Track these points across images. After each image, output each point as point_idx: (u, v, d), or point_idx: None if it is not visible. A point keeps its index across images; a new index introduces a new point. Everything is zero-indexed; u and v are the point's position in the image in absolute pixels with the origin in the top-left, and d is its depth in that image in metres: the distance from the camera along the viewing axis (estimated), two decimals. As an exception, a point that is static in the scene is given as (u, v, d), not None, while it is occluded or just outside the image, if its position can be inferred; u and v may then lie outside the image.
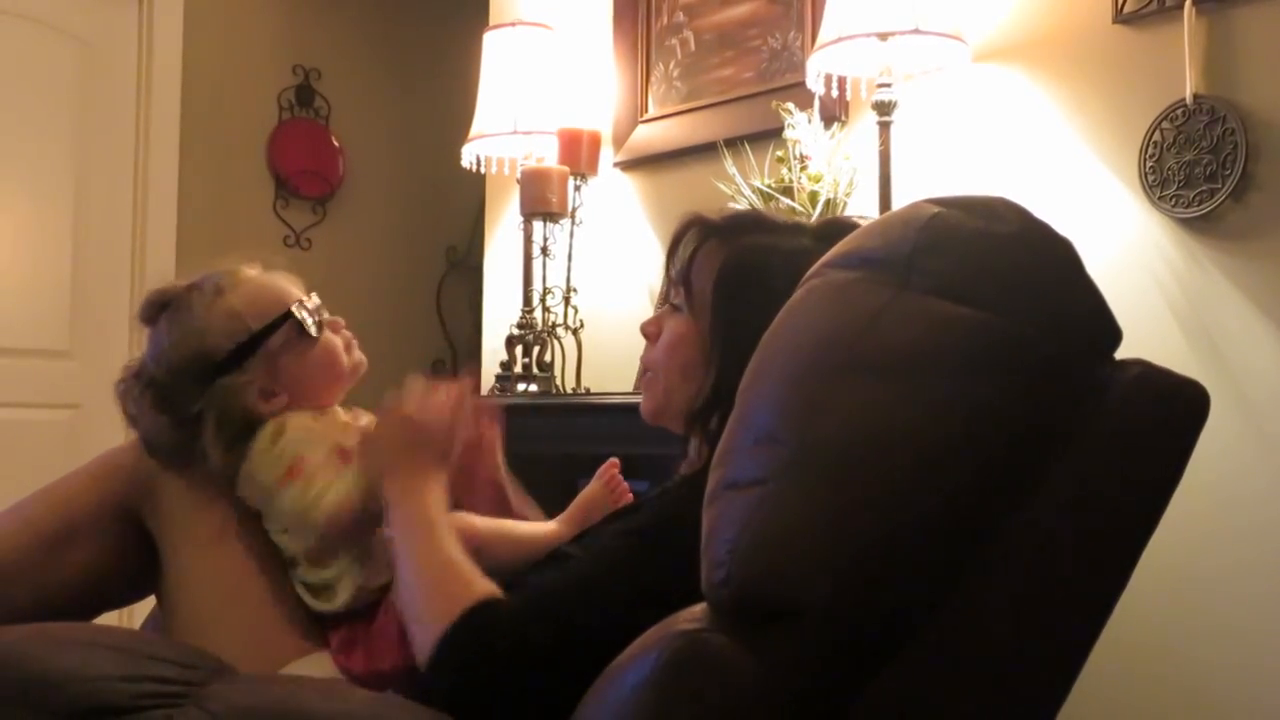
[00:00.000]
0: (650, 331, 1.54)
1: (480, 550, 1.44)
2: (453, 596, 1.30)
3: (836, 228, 1.49)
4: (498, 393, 3.04)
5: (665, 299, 1.55)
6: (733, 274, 1.43)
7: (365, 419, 1.64)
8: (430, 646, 1.28)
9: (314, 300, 1.64)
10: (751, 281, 1.41)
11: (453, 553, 1.37)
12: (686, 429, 1.46)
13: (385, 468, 1.47)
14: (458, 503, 1.51)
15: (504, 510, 1.64)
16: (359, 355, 1.65)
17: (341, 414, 1.63)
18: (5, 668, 1.16)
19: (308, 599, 1.55)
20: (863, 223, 1.50)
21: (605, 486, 1.66)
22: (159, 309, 1.58)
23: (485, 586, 1.32)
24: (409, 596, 1.37)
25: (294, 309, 1.58)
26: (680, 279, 1.49)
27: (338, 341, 1.62)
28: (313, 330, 1.58)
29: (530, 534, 1.62)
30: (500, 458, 1.63)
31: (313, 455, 1.53)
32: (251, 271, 1.62)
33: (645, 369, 1.54)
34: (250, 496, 1.55)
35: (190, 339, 1.55)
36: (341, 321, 1.65)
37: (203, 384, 1.54)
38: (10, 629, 1.28)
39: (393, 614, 1.50)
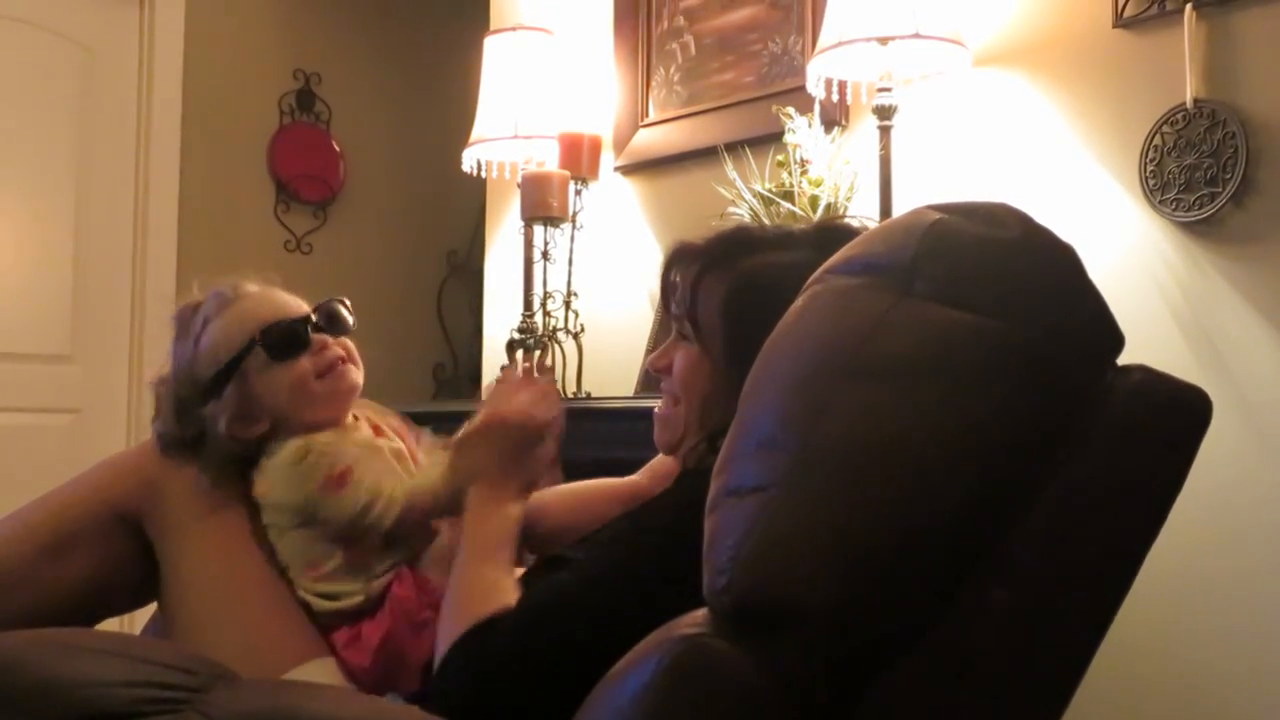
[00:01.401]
0: (661, 366, 1.52)
1: (556, 525, 1.55)
2: (466, 615, 1.33)
3: (833, 234, 1.48)
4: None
5: (669, 331, 1.54)
6: (740, 303, 1.42)
7: (393, 420, 1.69)
8: (436, 665, 1.32)
9: (315, 316, 1.63)
10: (760, 306, 1.37)
11: (495, 574, 1.40)
12: (703, 452, 1.43)
13: (478, 470, 1.49)
14: None
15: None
16: (350, 376, 1.63)
17: (365, 427, 1.64)
18: (6, 674, 1.16)
19: (315, 601, 1.55)
20: (856, 224, 1.50)
21: None
22: (177, 328, 1.63)
23: (498, 603, 1.33)
24: (444, 608, 1.41)
25: (258, 335, 1.58)
26: (686, 314, 1.48)
27: (305, 366, 1.59)
28: (275, 355, 1.58)
29: (609, 490, 1.65)
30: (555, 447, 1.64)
31: (348, 463, 1.55)
32: (249, 289, 1.63)
33: (666, 400, 1.52)
34: (281, 517, 1.57)
35: (185, 366, 1.60)
36: (328, 340, 1.62)
37: (196, 411, 1.58)
38: (10, 635, 1.28)
39: (391, 603, 1.53)
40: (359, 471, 1.54)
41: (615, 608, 1.23)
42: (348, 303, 1.68)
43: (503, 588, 1.37)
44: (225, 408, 1.56)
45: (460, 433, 1.53)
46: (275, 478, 1.56)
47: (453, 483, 1.51)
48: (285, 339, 1.59)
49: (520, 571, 1.50)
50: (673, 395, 1.51)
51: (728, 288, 1.44)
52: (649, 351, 2.73)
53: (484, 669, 1.28)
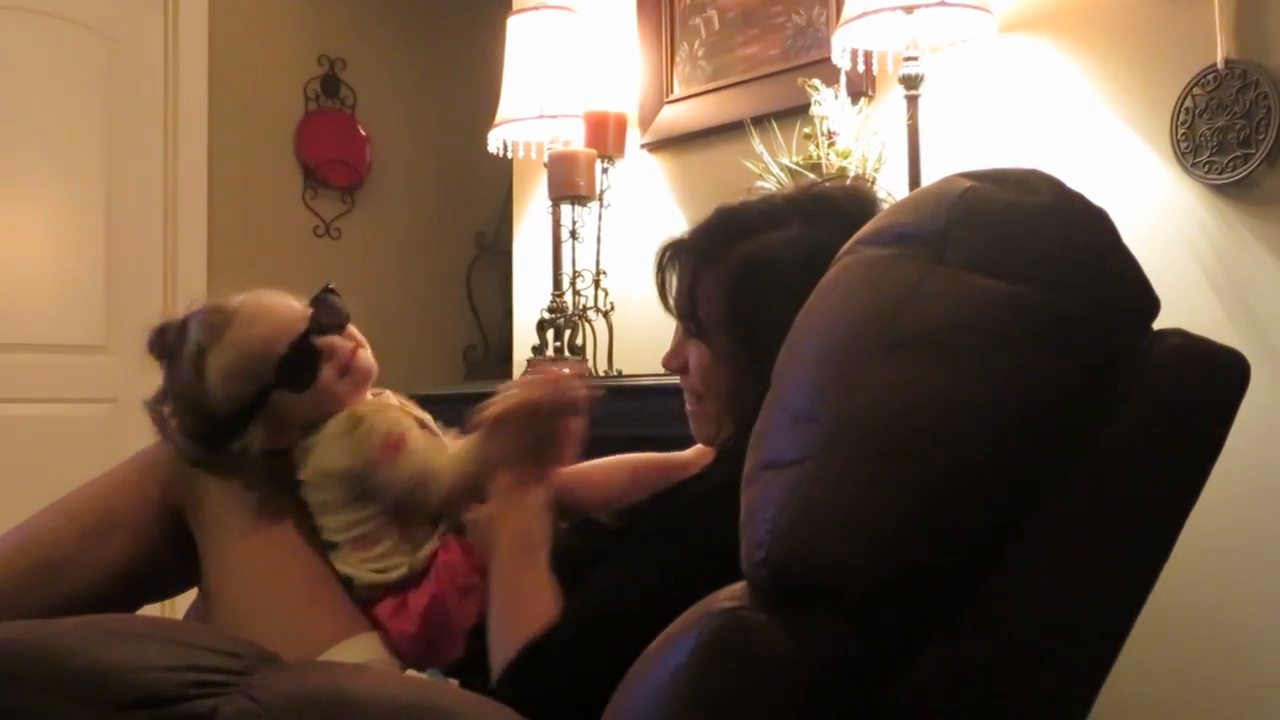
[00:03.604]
0: (676, 366, 1.53)
1: (599, 498, 1.59)
2: (516, 629, 1.35)
3: (818, 204, 1.47)
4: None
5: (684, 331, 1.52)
6: (742, 295, 1.42)
7: (413, 408, 1.68)
8: (496, 678, 1.34)
9: (312, 320, 1.58)
10: (762, 293, 1.40)
11: (530, 575, 1.41)
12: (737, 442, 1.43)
13: (505, 456, 1.49)
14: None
15: None
16: (366, 363, 1.62)
17: (392, 397, 1.66)
18: (55, 660, 1.17)
19: (359, 574, 1.56)
20: (833, 187, 1.49)
21: None
22: (159, 352, 1.59)
23: (545, 613, 1.34)
24: (492, 605, 1.42)
25: (274, 376, 1.54)
26: (687, 314, 1.48)
27: (328, 374, 1.58)
28: (298, 387, 1.56)
29: (653, 464, 1.67)
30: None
31: (403, 430, 1.56)
32: (234, 304, 1.58)
33: (691, 398, 1.53)
34: (331, 492, 1.57)
35: (191, 399, 1.56)
36: (335, 341, 1.59)
37: (223, 445, 1.56)
38: (59, 621, 1.30)
39: (437, 569, 1.56)
40: (413, 440, 1.56)
41: (663, 608, 1.21)
42: (336, 288, 1.63)
43: (547, 594, 1.37)
44: (255, 434, 1.56)
45: (484, 416, 1.52)
46: (325, 451, 1.57)
47: (481, 465, 1.51)
48: (302, 368, 1.56)
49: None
50: (695, 393, 1.51)
51: (726, 283, 1.43)
52: (680, 328, 2.73)
53: (542, 689, 1.29)
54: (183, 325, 1.58)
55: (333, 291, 1.63)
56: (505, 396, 1.52)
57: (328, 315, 1.60)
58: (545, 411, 1.50)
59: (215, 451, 1.58)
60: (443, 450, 1.57)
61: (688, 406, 1.54)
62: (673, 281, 1.51)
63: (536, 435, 1.50)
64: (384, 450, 1.54)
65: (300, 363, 1.55)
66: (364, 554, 1.56)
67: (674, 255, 1.51)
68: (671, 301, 1.52)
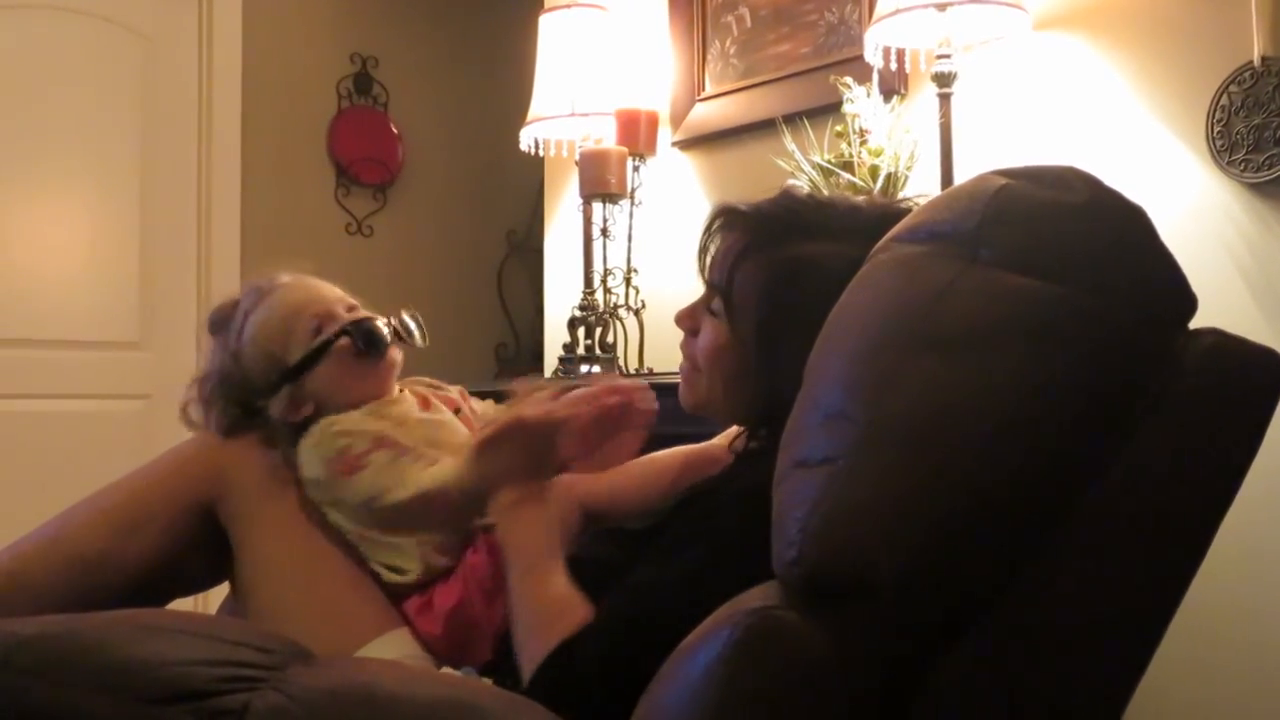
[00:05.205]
0: (688, 327, 1.51)
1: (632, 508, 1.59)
2: (541, 637, 1.33)
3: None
4: (561, 374, 3.05)
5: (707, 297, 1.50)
6: (781, 294, 1.38)
7: (449, 393, 1.73)
8: (528, 679, 1.33)
9: (346, 306, 1.68)
10: (800, 297, 1.36)
11: (555, 585, 1.39)
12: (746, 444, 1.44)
13: (502, 474, 1.48)
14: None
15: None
16: (392, 352, 1.67)
17: (409, 399, 1.66)
18: (88, 654, 1.18)
19: (383, 572, 1.57)
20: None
21: None
22: (215, 327, 1.69)
23: (569, 620, 1.33)
24: (516, 630, 1.40)
25: (351, 330, 1.63)
26: (721, 290, 1.44)
27: (344, 343, 1.64)
28: (322, 345, 1.63)
29: (682, 459, 1.68)
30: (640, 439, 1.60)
31: (365, 447, 1.58)
32: (283, 279, 1.69)
33: (687, 363, 1.52)
34: (311, 491, 1.60)
35: (230, 359, 1.65)
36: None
37: (253, 404, 1.63)
38: (91, 616, 1.31)
39: (464, 570, 1.56)
40: (376, 456, 1.57)
41: (694, 609, 1.20)
42: (393, 322, 1.70)
43: (568, 601, 1.36)
44: (280, 396, 1.62)
45: (481, 435, 1.52)
46: (303, 458, 1.61)
47: (471, 482, 1.50)
48: (333, 329, 1.64)
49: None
50: (694, 363, 1.50)
51: (770, 275, 1.40)
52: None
53: (574, 690, 1.28)
54: (236, 301, 1.69)
55: (415, 319, 1.71)
56: (498, 418, 1.52)
57: (371, 335, 1.65)
58: (535, 430, 1.47)
59: (248, 418, 1.63)
60: (425, 461, 1.58)
61: (681, 369, 1.53)
62: (719, 250, 1.48)
63: (529, 453, 1.48)
64: (340, 466, 1.57)
65: (370, 331, 1.64)
66: (371, 553, 1.58)
67: (727, 224, 1.48)
68: (709, 266, 1.49)
